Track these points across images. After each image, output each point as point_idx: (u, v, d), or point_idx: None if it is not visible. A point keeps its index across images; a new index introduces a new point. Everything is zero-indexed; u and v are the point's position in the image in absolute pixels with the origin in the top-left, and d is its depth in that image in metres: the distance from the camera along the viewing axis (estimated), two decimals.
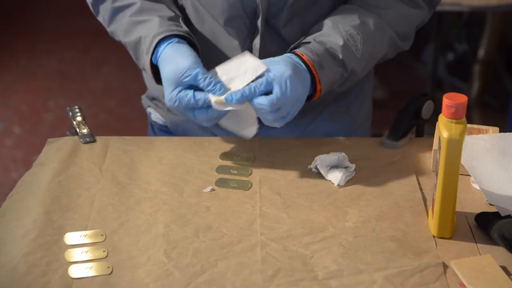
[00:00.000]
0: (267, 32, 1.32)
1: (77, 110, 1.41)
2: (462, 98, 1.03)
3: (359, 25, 1.27)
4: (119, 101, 3.55)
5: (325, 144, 1.33)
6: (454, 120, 1.03)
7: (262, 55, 1.30)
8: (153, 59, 1.27)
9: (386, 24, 1.30)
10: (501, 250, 1.06)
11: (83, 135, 1.36)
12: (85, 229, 1.11)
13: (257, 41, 1.32)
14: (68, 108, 1.42)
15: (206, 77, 1.19)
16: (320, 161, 1.24)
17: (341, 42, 1.25)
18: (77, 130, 1.37)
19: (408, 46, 1.38)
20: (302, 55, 1.23)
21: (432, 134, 1.29)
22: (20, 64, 3.89)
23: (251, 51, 1.30)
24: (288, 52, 1.26)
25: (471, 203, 1.17)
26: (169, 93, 1.21)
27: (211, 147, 1.33)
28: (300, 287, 0.99)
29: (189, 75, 1.19)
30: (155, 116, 1.53)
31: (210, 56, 1.31)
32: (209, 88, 1.19)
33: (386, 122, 1.76)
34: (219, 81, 1.19)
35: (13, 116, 3.43)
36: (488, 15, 3.16)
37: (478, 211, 1.13)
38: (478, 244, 1.08)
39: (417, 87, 3.39)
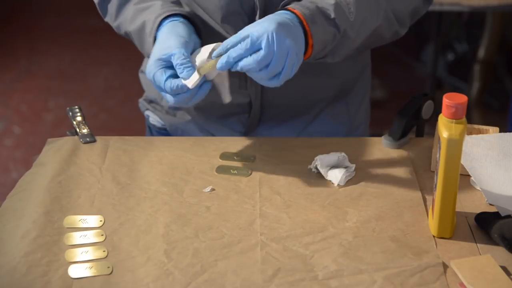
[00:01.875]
0: None
1: (77, 110, 1.41)
2: (462, 98, 1.03)
3: None
4: (119, 101, 3.55)
5: (325, 144, 1.33)
6: (454, 120, 1.03)
7: None
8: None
9: None
10: (501, 250, 1.06)
11: (83, 135, 1.36)
12: (85, 229, 1.11)
13: None
14: (68, 108, 1.42)
15: (180, 59, 1.18)
16: (320, 161, 1.24)
17: (332, 1, 1.23)
18: (77, 130, 1.37)
19: (403, 32, 1.35)
20: (293, 9, 1.20)
21: (432, 134, 1.29)
22: (20, 64, 3.89)
23: None
24: (280, 9, 1.23)
25: (471, 203, 1.17)
26: (149, 65, 1.21)
27: (211, 147, 1.33)
28: (300, 287, 0.99)
29: (166, 54, 1.19)
30: (153, 119, 1.53)
31: None
32: (178, 69, 1.18)
33: (386, 122, 1.76)
34: (190, 66, 1.18)
35: (13, 116, 3.43)
36: (488, 15, 3.16)
37: (478, 211, 1.13)
38: (478, 244, 1.08)
39: (417, 87, 3.39)
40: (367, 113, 1.57)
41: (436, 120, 1.08)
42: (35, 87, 3.68)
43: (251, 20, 1.29)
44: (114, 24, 1.38)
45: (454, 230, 1.09)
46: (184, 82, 1.18)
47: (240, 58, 1.15)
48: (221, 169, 1.26)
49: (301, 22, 1.19)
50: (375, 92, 3.39)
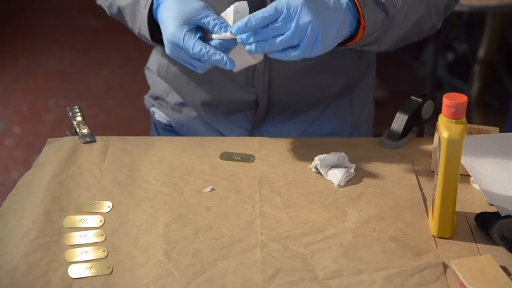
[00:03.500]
0: None
1: (77, 110, 1.41)
2: (462, 98, 1.03)
3: None
4: (119, 101, 3.55)
5: (325, 144, 1.33)
6: (454, 120, 1.03)
7: None
8: (153, 13, 1.24)
9: None
10: (501, 250, 1.06)
11: (83, 135, 1.36)
12: (85, 229, 1.11)
13: None
14: (68, 108, 1.42)
15: (216, 18, 1.16)
16: (320, 161, 1.24)
17: None
18: (77, 130, 1.37)
19: (439, 25, 1.36)
20: None
21: (432, 134, 1.29)
22: (20, 64, 3.89)
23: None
24: None
25: (471, 203, 1.17)
26: (175, 28, 1.16)
27: (211, 147, 1.33)
28: (300, 287, 0.99)
29: (199, 15, 1.16)
30: (159, 115, 1.53)
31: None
32: (218, 27, 1.16)
33: (386, 122, 1.76)
34: (228, 25, 1.16)
35: (13, 116, 3.43)
36: (488, 15, 3.16)
37: (478, 211, 1.13)
38: (478, 244, 1.08)
39: (417, 87, 3.39)
40: (370, 111, 1.57)
41: (436, 120, 1.08)
42: (35, 87, 3.68)
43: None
44: (106, 3, 1.36)
45: (454, 230, 1.09)
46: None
47: (261, 22, 1.12)
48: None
49: (354, 4, 1.19)
50: (375, 92, 3.39)
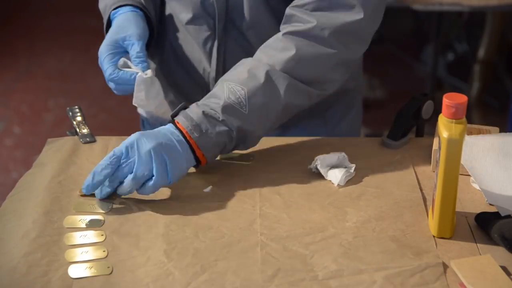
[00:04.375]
0: (230, 34, 1.34)
1: (77, 110, 1.41)
2: (462, 98, 1.03)
3: (246, 79, 1.21)
4: (119, 101, 3.54)
5: (325, 144, 1.33)
6: (454, 120, 1.03)
7: (221, 58, 1.35)
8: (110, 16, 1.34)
9: (280, 72, 1.22)
10: (501, 250, 1.06)
11: (83, 135, 1.36)
12: (85, 229, 1.11)
13: (215, 44, 1.35)
14: (68, 108, 1.42)
15: (141, 51, 1.27)
16: (320, 161, 1.24)
17: (221, 102, 1.19)
18: (77, 130, 1.37)
19: (331, 88, 1.28)
20: (178, 122, 1.19)
21: (432, 134, 1.29)
22: (20, 64, 3.90)
23: (211, 53, 1.36)
24: (169, 122, 1.21)
25: (471, 203, 1.17)
26: (104, 45, 1.28)
27: None
28: (300, 287, 0.99)
29: (125, 39, 1.28)
30: (141, 110, 1.55)
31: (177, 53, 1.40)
32: (134, 60, 1.27)
33: (386, 122, 1.76)
34: (146, 61, 1.26)
35: (13, 116, 3.43)
36: (488, 15, 3.16)
37: (478, 211, 1.13)
38: (478, 244, 1.08)
39: (417, 87, 3.39)
40: (353, 125, 1.52)
41: (436, 120, 1.08)
42: (35, 87, 3.68)
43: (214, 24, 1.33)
44: (100, 6, 1.42)
45: (454, 230, 1.09)
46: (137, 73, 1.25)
47: (106, 171, 1.15)
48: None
49: (184, 136, 1.18)
50: (375, 92, 3.40)
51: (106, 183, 1.16)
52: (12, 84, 3.70)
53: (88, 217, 1.14)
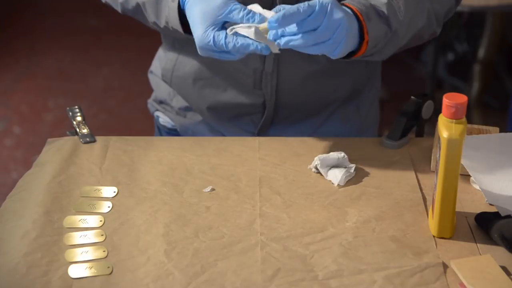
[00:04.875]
0: None
1: (77, 110, 1.41)
2: (462, 98, 1.03)
3: None
4: (119, 101, 3.55)
5: (325, 144, 1.33)
6: (454, 120, 1.03)
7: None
8: (180, 4, 1.23)
9: None
10: (501, 250, 1.06)
11: (83, 135, 1.36)
12: (85, 229, 1.11)
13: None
14: (68, 108, 1.42)
15: (240, 10, 1.15)
16: (320, 161, 1.24)
17: (385, 0, 1.23)
18: (77, 130, 1.37)
19: (439, 31, 1.36)
20: (349, 5, 1.20)
21: (432, 134, 1.29)
22: (20, 64, 3.90)
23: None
24: None
25: (471, 203, 1.17)
26: (202, 32, 1.16)
27: (211, 147, 1.33)
28: (300, 287, 0.99)
29: (223, 13, 1.15)
30: (164, 120, 1.52)
31: None
32: (246, 18, 1.14)
33: (386, 122, 1.76)
34: (255, 13, 1.15)
35: (13, 116, 3.43)
36: (488, 15, 3.16)
37: (478, 211, 1.13)
38: (478, 244, 1.08)
39: (417, 87, 3.39)
40: (376, 115, 1.56)
41: (436, 120, 1.08)
42: (35, 87, 3.68)
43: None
44: (119, 1, 1.34)
45: (454, 230, 1.09)
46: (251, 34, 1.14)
47: (297, 16, 1.10)
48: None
49: (357, 18, 1.19)
50: None
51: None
52: (12, 84, 3.70)
53: (88, 217, 1.14)
